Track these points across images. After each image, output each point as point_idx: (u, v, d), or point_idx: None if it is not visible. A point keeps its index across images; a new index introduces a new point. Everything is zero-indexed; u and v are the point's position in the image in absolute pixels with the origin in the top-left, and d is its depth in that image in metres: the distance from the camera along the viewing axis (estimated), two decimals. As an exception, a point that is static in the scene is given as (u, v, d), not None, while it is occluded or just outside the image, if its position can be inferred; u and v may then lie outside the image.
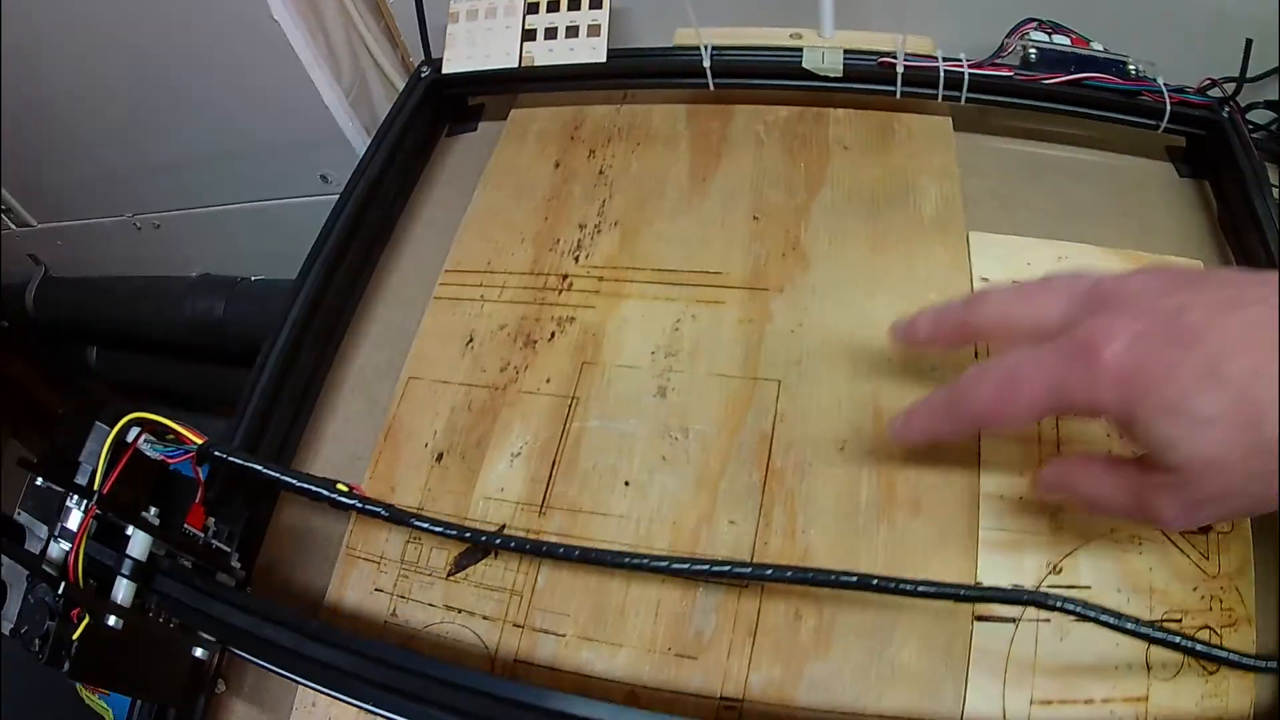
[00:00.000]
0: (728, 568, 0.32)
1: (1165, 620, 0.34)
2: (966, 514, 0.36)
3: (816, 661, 0.33)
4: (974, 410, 0.29)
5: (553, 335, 0.41)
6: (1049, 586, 0.35)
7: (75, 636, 0.29)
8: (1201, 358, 0.24)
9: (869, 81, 0.46)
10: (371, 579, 0.38)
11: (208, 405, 0.79)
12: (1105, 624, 0.29)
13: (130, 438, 0.34)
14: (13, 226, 0.81)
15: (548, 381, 0.40)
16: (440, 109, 0.49)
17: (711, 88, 0.46)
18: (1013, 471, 0.36)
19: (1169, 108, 0.46)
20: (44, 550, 0.32)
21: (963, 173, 0.46)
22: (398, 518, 0.34)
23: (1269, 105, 0.52)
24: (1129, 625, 0.29)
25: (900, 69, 0.45)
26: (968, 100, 0.46)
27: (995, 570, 0.35)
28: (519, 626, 0.35)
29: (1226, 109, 0.47)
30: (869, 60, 0.45)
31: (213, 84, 0.55)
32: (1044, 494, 0.32)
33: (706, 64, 0.45)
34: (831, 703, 0.33)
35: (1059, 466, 0.31)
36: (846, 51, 0.46)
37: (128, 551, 0.33)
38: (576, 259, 0.43)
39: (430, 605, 0.37)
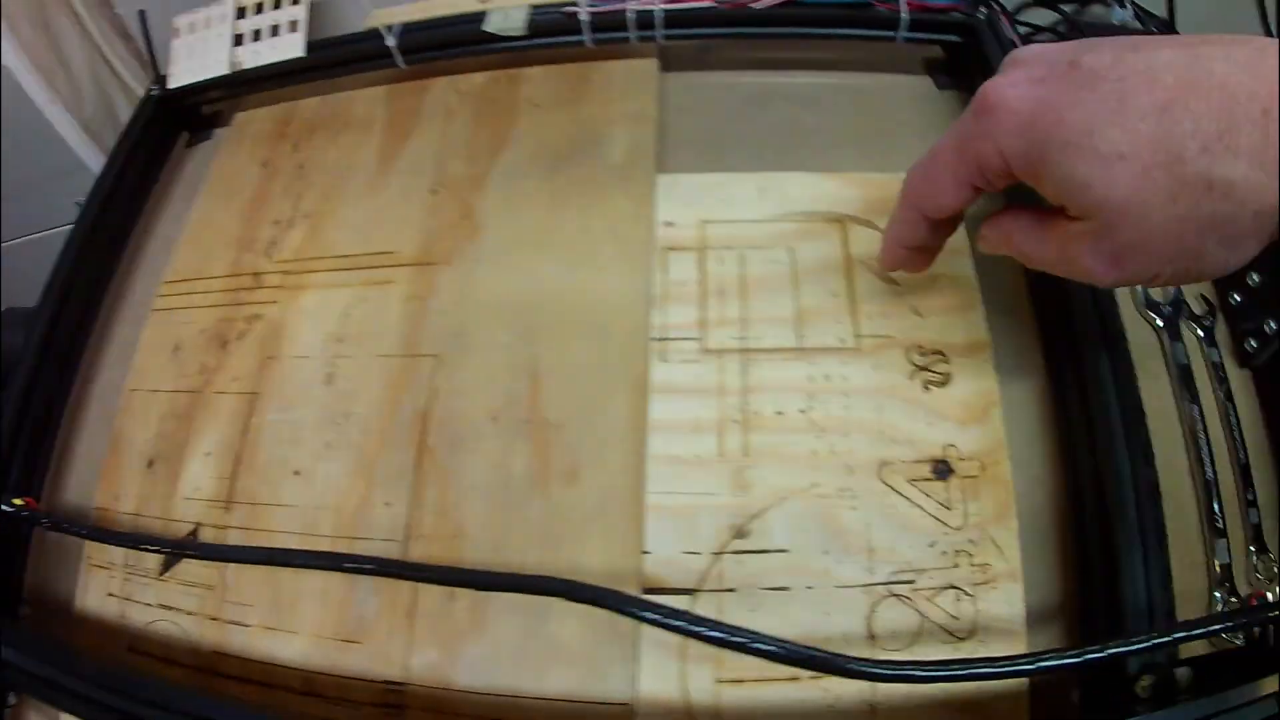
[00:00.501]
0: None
1: (894, 582, 0.31)
2: (631, 479, 0.34)
3: (473, 642, 0.33)
4: (912, 200, 0.30)
5: (242, 334, 0.42)
6: (732, 552, 0.32)
7: None
8: (1106, 93, 0.23)
9: (560, 34, 0.44)
10: (105, 585, 0.40)
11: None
12: (678, 630, 0.27)
13: None
14: None
15: (235, 380, 0.41)
16: (175, 123, 0.50)
17: (402, 65, 0.45)
18: (685, 430, 0.35)
19: (907, 16, 0.43)
20: None
21: (678, 114, 0.44)
22: (60, 526, 0.36)
23: (1045, 3, 0.48)
24: (706, 632, 0.27)
25: (584, 16, 0.43)
26: (671, 37, 0.44)
27: (666, 538, 0.33)
28: (215, 619, 0.37)
29: (983, 11, 0.43)
30: (555, 13, 0.44)
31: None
32: (985, 248, 0.31)
33: (390, 43, 0.44)
34: (492, 685, 0.32)
35: (995, 219, 0.30)
36: (532, 7, 0.44)
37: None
38: (269, 256, 0.43)
39: (148, 605, 0.38)
